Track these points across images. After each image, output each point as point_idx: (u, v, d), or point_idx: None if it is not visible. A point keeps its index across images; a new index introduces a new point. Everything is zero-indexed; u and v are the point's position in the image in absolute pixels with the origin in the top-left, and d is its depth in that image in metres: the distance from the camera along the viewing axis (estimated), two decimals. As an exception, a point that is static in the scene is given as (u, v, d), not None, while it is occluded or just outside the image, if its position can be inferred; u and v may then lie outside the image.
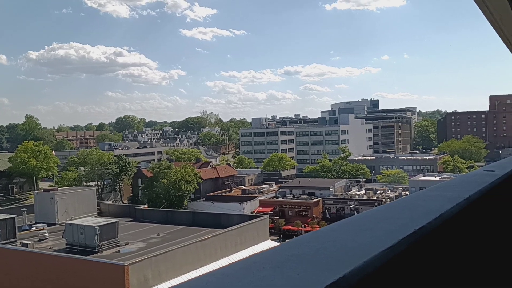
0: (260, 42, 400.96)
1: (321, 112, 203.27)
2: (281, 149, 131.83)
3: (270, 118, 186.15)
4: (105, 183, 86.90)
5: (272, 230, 56.70)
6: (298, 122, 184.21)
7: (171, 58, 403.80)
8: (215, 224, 33.74)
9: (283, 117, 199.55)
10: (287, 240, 1.80)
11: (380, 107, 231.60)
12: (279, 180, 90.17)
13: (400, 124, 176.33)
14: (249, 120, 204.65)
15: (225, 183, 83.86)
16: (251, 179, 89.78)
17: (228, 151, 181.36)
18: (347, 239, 1.45)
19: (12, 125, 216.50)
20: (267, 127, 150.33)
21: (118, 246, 28.67)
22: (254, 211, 64.37)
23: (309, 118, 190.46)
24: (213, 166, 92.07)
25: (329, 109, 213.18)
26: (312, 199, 70.49)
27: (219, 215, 38.25)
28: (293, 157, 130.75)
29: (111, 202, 65.19)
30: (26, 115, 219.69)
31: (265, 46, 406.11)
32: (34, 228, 34.87)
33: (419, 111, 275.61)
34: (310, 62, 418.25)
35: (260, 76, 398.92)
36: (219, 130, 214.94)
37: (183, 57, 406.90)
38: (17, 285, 26.14)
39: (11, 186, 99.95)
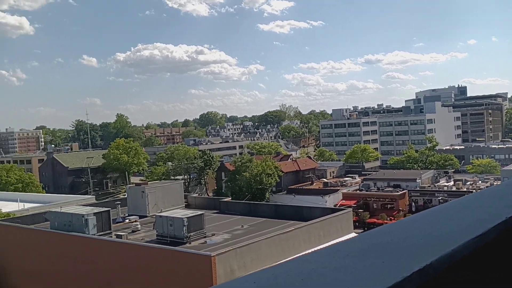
0: (339, 32, 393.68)
1: (406, 101, 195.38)
2: (364, 141, 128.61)
3: (351, 108, 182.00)
4: (191, 176, 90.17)
5: (356, 223, 55.54)
6: (381, 112, 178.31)
7: (250, 53, 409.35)
8: (298, 217, 33.65)
9: (365, 107, 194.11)
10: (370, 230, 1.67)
11: (468, 94, 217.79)
12: (362, 173, 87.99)
13: (490, 111, 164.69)
14: (329, 112, 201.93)
15: (306, 176, 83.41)
16: (333, 172, 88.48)
17: (308, 144, 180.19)
18: (433, 228, 1.44)
19: (105, 124, 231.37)
20: (348, 118, 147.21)
21: (204, 237, 29.56)
22: (337, 204, 63.44)
23: (392, 108, 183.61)
24: (294, 159, 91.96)
25: (414, 97, 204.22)
26: (397, 192, 68.15)
27: (301, 208, 38.11)
28: (377, 148, 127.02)
29: (197, 195, 67.47)
30: (117, 114, 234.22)
31: (343, 35, 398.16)
32: (127, 220, 36.95)
33: (511, 96, 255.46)
34: (391, 50, 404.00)
35: (339, 66, 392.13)
36: (298, 123, 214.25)
37: (262, 52, 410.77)
38: (112, 274, 27.90)
39: (105, 181, 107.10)
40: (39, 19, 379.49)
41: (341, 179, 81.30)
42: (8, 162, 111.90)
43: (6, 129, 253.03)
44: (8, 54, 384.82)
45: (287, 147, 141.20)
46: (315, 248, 28.03)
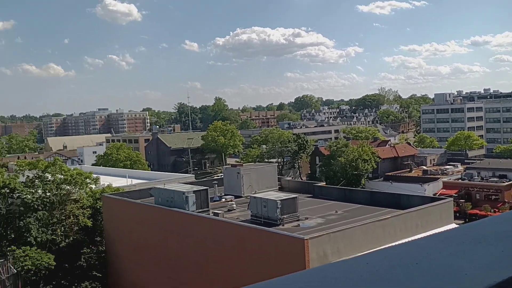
0: (443, 12, 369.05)
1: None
2: (468, 127, 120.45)
3: (455, 93, 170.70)
4: (284, 160, 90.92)
5: (457, 214, 52.49)
6: (488, 97, 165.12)
7: (348, 35, 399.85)
8: (394, 205, 32.48)
9: (470, 92, 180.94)
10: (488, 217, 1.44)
11: None
12: (465, 161, 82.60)
13: None
14: (431, 96, 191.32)
15: (405, 163, 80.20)
16: (433, 159, 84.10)
17: (408, 130, 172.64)
18: None
19: (204, 107, 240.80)
20: (451, 103, 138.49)
21: (298, 220, 29.70)
22: (436, 193, 60.33)
23: (501, 93, 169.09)
24: (392, 145, 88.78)
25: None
26: (503, 182, 63.15)
27: (398, 196, 36.71)
28: (482, 135, 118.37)
29: (290, 178, 67.95)
30: (215, 97, 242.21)
31: (448, 16, 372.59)
32: (223, 200, 38.28)
33: None
34: (501, 31, 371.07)
35: (443, 48, 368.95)
36: (398, 108, 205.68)
37: (360, 34, 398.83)
38: (209, 249, 29.18)
39: (203, 161, 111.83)
40: (146, 6, 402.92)
41: (442, 167, 77.05)
42: (118, 140, 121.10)
43: (117, 110, 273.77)
44: (119, 40, 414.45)
45: (385, 133, 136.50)
46: (412, 238, 26.97)
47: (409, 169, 77.84)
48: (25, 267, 34.19)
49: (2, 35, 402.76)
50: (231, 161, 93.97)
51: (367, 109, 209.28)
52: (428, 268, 1.04)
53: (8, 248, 35.57)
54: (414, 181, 68.13)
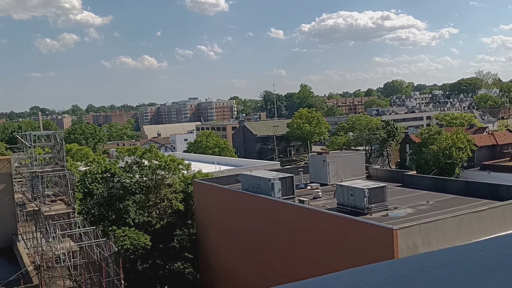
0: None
1: None
2: None
3: None
4: (372, 147, 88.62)
5: None
6: None
7: (442, 16, 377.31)
8: (492, 196, 30.39)
9: None
10: None
11: None
12: None
13: None
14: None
15: (504, 151, 74.57)
16: (539, 147, 77.25)
17: (509, 115, 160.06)
18: None
19: (289, 94, 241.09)
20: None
21: (386, 210, 28.90)
22: (542, 184, 55.43)
23: None
24: (490, 132, 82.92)
25: None
26: None
27: (497, 186, 34.25)
28: None
29: (379, 166, 66.13)
30: (301, 84, 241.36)
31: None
32: (309, 187, 38.24)
33: None
34: None
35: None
36: (497, 92, 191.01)
37: (456, 14, 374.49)
38: (295, 236, 29.41)
39: (289, 149, 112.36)
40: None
41: (550, 156, 70.56)
42: (207, 128, 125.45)
43: (206, 99, 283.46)
44: (207, 31, 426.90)
45: (483, 119, 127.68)
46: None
47: (509, 158, 72.32)
48: (124, 246, 36.87)
49: (101, 30, 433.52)
50: (316, 148, 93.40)
51: (462, 94, 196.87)
52: None
53: (110, 228, 38.54)
54: (515, 170, 63.16)
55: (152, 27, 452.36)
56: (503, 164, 69.35)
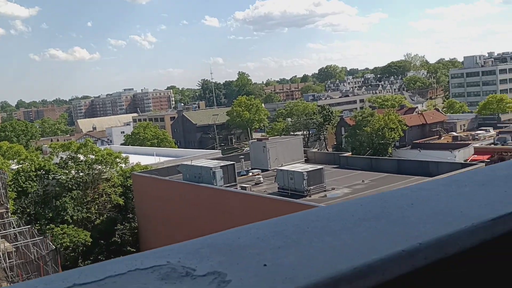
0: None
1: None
2: (500, 90, 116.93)
3: (486, 55, 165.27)
4: (310, 132, 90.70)
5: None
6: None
7: (371, 1, 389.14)
8: (423, 172, 32.24)
9: (502, 53, 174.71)
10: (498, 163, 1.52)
11: None
12: (498, 125, 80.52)
13: None
14: (460, 60, 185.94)
15: (433, 129, 78.84)
16: (464, 125, 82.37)
17: (436, 95, 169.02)
18: None
19: (228, 82, 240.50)
20: (482, 66, 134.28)
21: (324, 191, 29.92)
22: (467, 159, 59.31)
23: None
24: (419, 112, 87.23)
25: None
26: (539, 146, 61.50)
27: (426, 163, 36.38)
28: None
29: (316, 150, 67.90)
30: (239, 72, 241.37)
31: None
32: (250, 174, 38.75)
33: None
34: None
35: (472, 9, 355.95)
36: (425, 73, 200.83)
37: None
38: (237, 223, 29.76)
39: (229, 137, 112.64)
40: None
41: (473, 133, 75.42)
42: (145, 120, 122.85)
43: (142, 89, 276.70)
44: (140, 20, 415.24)
45: (412, 100, 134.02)
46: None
47: (438, 136, 76.56)
48: (63, 244, 35.70)
49: (28, 22, 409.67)
50: (257, 135, 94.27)
51: (392, 77, 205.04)
52: (422, 208, 1.03)
53: (48, 227, 37.14)
54: (443, 148, 66.98)
55: (82, 17, 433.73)
56: (432, 142, 73.36)
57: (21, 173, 40.31)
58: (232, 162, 35.67)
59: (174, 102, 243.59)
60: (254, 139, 61.36)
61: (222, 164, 34.55)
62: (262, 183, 34.91)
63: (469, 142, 69.15)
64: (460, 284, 0.91)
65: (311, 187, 29.47)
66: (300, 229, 0.99)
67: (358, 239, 0.91)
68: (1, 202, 26.57)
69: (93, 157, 42.31)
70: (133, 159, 48.12)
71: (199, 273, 0.80)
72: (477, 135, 72.87)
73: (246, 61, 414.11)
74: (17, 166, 44.23)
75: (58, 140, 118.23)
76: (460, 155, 62.93)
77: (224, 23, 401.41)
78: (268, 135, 77.59)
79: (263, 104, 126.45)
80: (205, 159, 42.35)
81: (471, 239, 0.90)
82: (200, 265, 0.83)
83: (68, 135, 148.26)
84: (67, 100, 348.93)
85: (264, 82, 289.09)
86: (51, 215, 39.13)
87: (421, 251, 0.83)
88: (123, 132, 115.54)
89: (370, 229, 0.95)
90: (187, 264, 0.85)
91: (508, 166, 1.32)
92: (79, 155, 42.46)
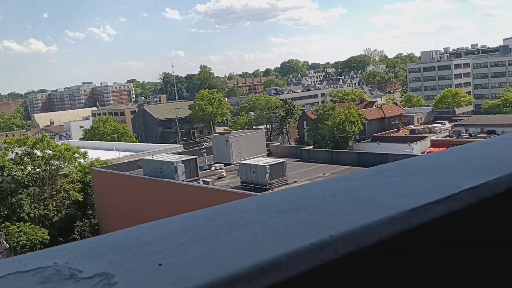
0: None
1: (504, 39, 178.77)
2: (455, 84, 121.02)
3: (442, 50, 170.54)
4: (273, 126, 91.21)
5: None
6: (475, 52, 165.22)
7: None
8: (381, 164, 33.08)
9: (457, 49, 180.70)
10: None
11: None
12: (453, 118, 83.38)
13: None
14: (418, 55, 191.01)
15: (392, 123, 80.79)
16: (421, 118, 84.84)
17: (395, 89, 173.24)
18: (502, 150, 1.33)
19: (190, 76, 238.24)
20: (438, 61, 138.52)
21: (287, 184, 30.20)
22: (424, 152, 61.17)
23: (488, 48, 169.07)
24: (378, 105, 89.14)
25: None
26: (492, 138, 64.10)
27: (385, 155, 37.28)
28: (469, 92, 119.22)
29: (279, 143, 68.36)
30: (201, 65, 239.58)
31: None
32: (213, 168, 38.60)
33: None
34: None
35: (429, 5, 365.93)
36: (384, 68, 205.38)
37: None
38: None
39: (192, 131, 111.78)
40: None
41: (430, 126, 77.81)
42: (104, 114, 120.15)
43: (101, 83, 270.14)
44: (98, 11, 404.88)
45: (372, 94, 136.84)
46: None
47: (396, 129, 78.50)
48: (20, 243, 34.54)
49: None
50: (219, 129, 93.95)
51: (352, 71, 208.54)
52: (343, 199, 1.02)
53: (2, 225, 35.84)
54: (401, 140, 68.77)
55: (37, 9, 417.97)
56: (391, 135, 75.19)
57: (-27, 170, 38.73)
58: (194, 157, 35.42)
59: (134, 96, 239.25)
60: (217, 133, 61.15)
61: (184, 159, 34.25)
62: (225, 177, 34.86)
63: (426, 135, 71.32)
64: (374, 276, 0.88)
65: (274, 181, 29.68)
66: (212, 223, 0.95)
67: (270, 232, 0.86)
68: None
69: (50, 152, 41.04)
70: (93, 154, 47.00)
71: (85, 275, 0.73)
72: (433, 128, 75.21)
73: (208, 54, 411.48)
74: (-32, 163, 42.40)
75: (13, 135, 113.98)
76: (417, 148, 64.80)
77: (185, 16, 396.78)
78: (230, 129, 77.53)
79: (225, 98, 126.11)
80: (166, 153, 41.85)
81: (387, 230, 0.87)
82: (89, 266, 0.76)
83: (24, 130, 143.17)
84: (23, 93, 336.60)
85: (227, 76, 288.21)
86: (6, 212, 37.77)
87: (331, 243, 0.80)
88: (82, 126, 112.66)
89: (285, 221, 0.91)
90: (75, 265, 0.77)
91: (439, 155, 1.31)
92: (35, 151, 41.10)
